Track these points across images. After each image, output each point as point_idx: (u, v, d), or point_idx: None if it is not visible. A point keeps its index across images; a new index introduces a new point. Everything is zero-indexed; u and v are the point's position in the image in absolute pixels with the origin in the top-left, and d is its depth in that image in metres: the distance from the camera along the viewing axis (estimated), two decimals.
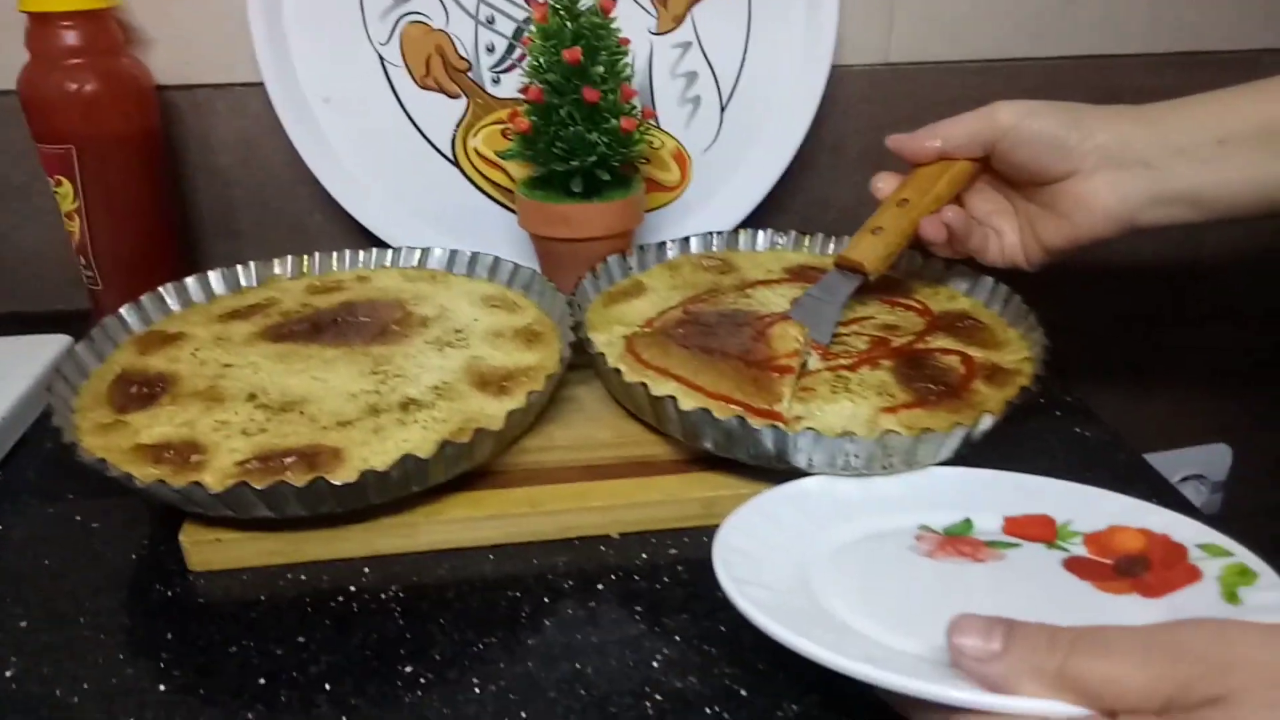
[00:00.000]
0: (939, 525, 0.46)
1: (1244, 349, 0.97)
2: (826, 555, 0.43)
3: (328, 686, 0.41)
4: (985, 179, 0.61)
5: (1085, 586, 0.40)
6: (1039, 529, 0.45)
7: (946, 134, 0.57)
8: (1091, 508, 0.45)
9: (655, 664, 0.42)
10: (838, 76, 0.76)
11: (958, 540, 0.44)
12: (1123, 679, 0.30)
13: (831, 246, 0.69)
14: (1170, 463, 0.98)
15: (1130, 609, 0.38)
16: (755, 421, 0.47)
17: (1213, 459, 1.01)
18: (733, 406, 0.50)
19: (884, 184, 0.60)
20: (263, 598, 0.46)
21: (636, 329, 0.58)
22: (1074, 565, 0.42)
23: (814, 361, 0.55)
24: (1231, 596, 0.38)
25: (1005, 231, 0.60)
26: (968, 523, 0.46)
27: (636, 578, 0.47)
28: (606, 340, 0.57)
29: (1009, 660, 0.31)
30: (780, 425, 0.47)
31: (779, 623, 0.36)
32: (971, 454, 0.52)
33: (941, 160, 0.59)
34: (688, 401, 0.49)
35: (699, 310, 0.60)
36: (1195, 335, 0.96)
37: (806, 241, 0.70)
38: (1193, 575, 0.40)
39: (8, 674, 0.41)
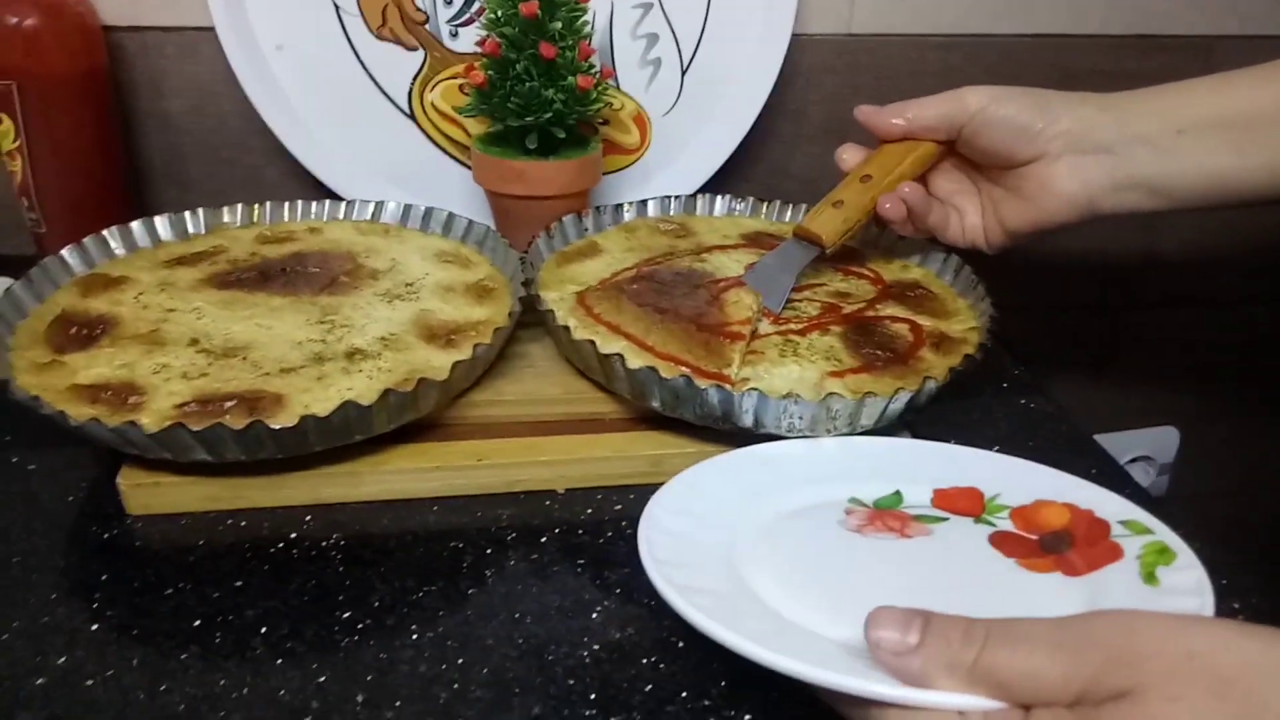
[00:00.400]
0: (869, 498, 0.46)
1: (1194, 335, 1.00)
2: (755, 531, 0.43)
3: (263, 630, 0.41)
4: (950, 160, 0.61)
5: (1010, 564, 0.40)
6: (967, 502, 0.45)
7: (914, 114, 0.58)
8: (1020, 481, 0.46)
9: (595, 615, 0.42)
10: (800, 45, 0.76)
11: (886, 514, 0.44)
12: (1035, 672, 0.30)
13: (789, 214, 0.69)
14: (1119, 444, 1.01)
15: (1052, 589, 0.39)
16: (701, 381, 0.48)
17: (1161, 441, 1.04)
18: (681, 368, 0.50)
19: (849, 155, 0.60)
20: (201, 542, 0.45)
21: (589, 287, 0.58)
22: (999, 541, 0.42)
23: (764, 326, 0.55)
24: (1150, 577, 0.38)
25: (967, 212, 0.60)
26: (897, 495, 0.46)
27: (580, 532, 0.48)
28: (558, 296, 0.57)
29: (925, 654, 0.31)
30: (726, 386, 0.48)
31: (699, 609, 0.35)
32: (918, 423, 0.53)
33: (907, 140, 0.59)
34: (635, 360, 0.50)
35: (654, 269, 0.60)
36: (1148, 321, 0.98)
37: (764, 208, 0.70)
38: (1114, 553, 0.40)
39: None
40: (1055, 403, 0.61)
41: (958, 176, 0.61)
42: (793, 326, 0.55)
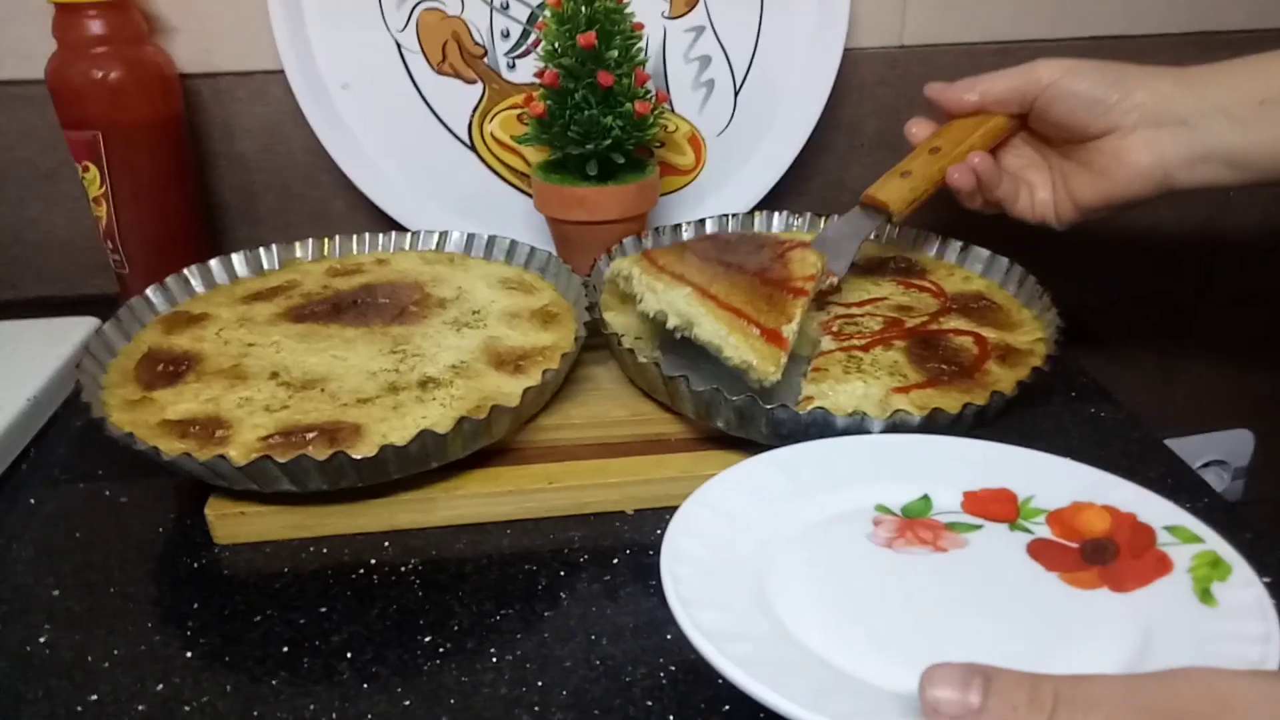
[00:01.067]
0: (896, 505, 0.44)
1: (1268, 333, 0.97)
2: (782, 555, 0.41)
3: (349, 655, 0.42)
4: (1020, 135, 0.60)
5: (1053, 579, 0.39)
6: (1000, 506, 0.43)
7: (986, 88, 0.58)
8: (1054, 481, 0.44)
9: (668, 635, 0.43)
10: (852, 59, 0.76)
11: (917, 524, 0.43)
12: None
13: None
14: (1192, 448, 0.98)
15: (1102, 609, 0.37)
16: (766, 401, 0.48)
17: (1235, 444, 1.01)
18: (740, 320, 0.50)
19: (918, 129, 0.61)
20: (286, 570, 0.47)
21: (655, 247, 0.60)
22: (1039, 551, 0.41)
23: (826, 342, 0.56)
24: (1206, 595, 0.36)
25: (1038, 186, 0.59)
26: (926, 500, 0.44)
27: (650, 552, 0.48)
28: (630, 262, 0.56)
29: (988, 718, 0.29)
30: (790, 406, 0.48)
31: (738, 663, 0.33)
32: (986, 435, 0.53)
33: (978, 114, 0.59)
34: (697, 308, 0.51)
35: (718, 231, 0.61)
36: (1219, 319, 0.95)
37: (822, 223, 0.70)
38: (1163, 566, 0.38)
39: (41, 640, 0.43)
40: (1126, 410, 0.60)
41: (1027, 151, 0.61)
42: (856, 342, 0.55)
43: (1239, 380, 0.99)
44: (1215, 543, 0.39)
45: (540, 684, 0.40)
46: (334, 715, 0.39)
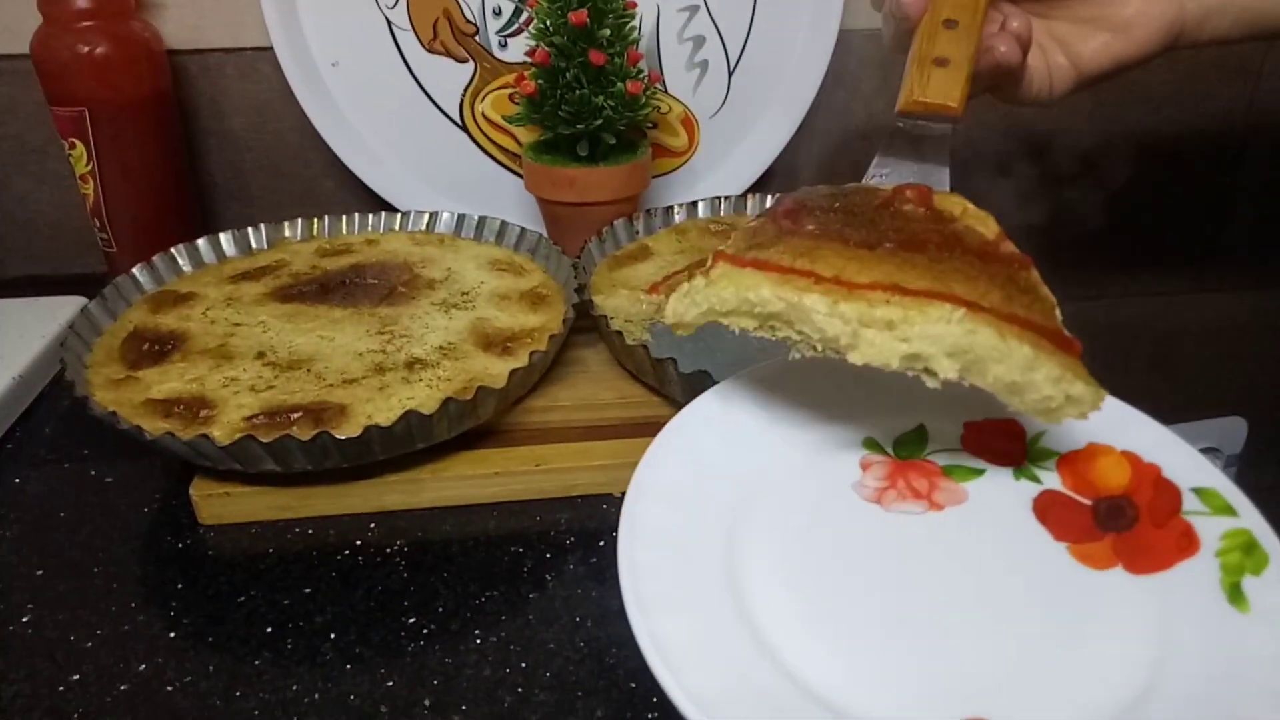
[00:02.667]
0: (887, 439, 0.38)
1: (1261, 320, 0.97)
2: (757, 517, 0.36)
3: (333, 635, 0.42)
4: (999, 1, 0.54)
5: (1059, 553, 0.34)
6: (1005, 443, 0.37)
7: None
8: None
9: None
10: (847, 41, 0.75)
11: (909, 468, 0.37)
12: None
13: None
14: (1183, 436, 0.98)
15: (1114, 598, 0.32)
16: None
17: (1227, 432, 1.00)
18: (1030, 332, 0.33)
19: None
20: (271, 550, 0.47)
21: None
22: (1045, 510, 0.35)
23: None
24: (1235, 592, 0.31)
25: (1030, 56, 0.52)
26: (922, 432, 0.39)
27: None
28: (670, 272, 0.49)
29: None
30: None
31: (697, 701, 0.27)
32: None
33: None
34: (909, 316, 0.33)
35: (789, 205, 0.39)
36: (1211, 305, 0.95)
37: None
38: (1188, 544, 0.33)
39: (24, 620, 0.43)
40: (1114, 398, 0.59)
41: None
42: None
43: (1232, 368, 0.98)
44: (1251, 519, 0.33)
45: (524, 665, 0.40)
46: (316, 696, 0.39)
